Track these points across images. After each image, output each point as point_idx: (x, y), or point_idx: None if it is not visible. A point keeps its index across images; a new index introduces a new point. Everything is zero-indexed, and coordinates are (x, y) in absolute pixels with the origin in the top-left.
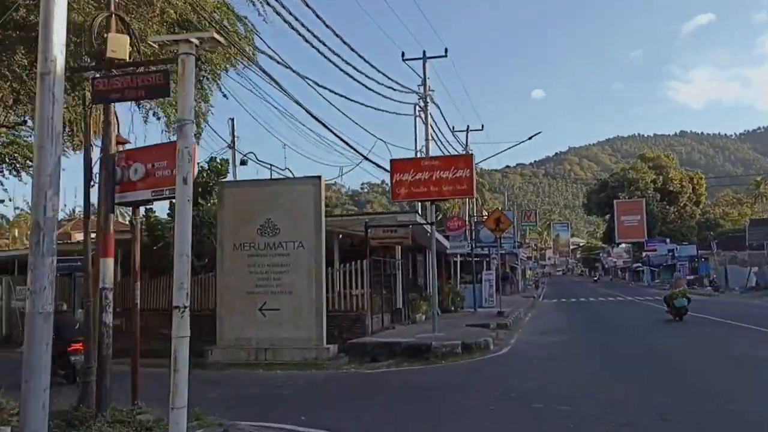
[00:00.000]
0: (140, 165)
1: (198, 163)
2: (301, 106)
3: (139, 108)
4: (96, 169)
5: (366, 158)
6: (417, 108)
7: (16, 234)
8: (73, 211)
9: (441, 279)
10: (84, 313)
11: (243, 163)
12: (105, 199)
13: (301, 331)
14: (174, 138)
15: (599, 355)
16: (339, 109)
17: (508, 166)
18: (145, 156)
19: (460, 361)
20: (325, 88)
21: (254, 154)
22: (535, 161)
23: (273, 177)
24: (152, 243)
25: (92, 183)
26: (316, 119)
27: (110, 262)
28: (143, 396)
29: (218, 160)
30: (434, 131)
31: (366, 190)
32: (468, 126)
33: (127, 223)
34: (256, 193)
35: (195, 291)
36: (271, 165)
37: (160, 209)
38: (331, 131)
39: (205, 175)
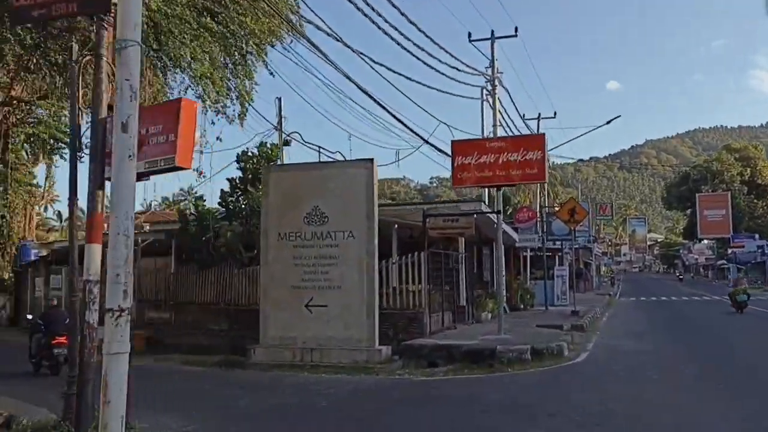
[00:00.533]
0: None
1: (246, 148)
2: (353, 83)
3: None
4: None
5: (426, 141)
6: (484, 92)
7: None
8: (150, 205)
9: (509, 274)
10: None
11: (286, 143)
12: (93, 173)
13: (351, 330)
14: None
15: (694, 365)
16: (397, 88)
17: (581, 160)
18: (139, 120)
19: (529, 369)
20: (382, 65)
21: (299, 134)
22: (609, 154)
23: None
24: (200, 233)
25: (80, 155)
26: (371, 97)
27: (97, 248)
28: (161, 401)
29: (268, 145)
30: (502, 117)
31: (435, 184)
32: (539, 113)
33: (175, 211)
34: (303, 177)
35: (243, 284)
36: (319, 147)
37: (210, 196)
38: (386, 110)
39: (255, 161)
